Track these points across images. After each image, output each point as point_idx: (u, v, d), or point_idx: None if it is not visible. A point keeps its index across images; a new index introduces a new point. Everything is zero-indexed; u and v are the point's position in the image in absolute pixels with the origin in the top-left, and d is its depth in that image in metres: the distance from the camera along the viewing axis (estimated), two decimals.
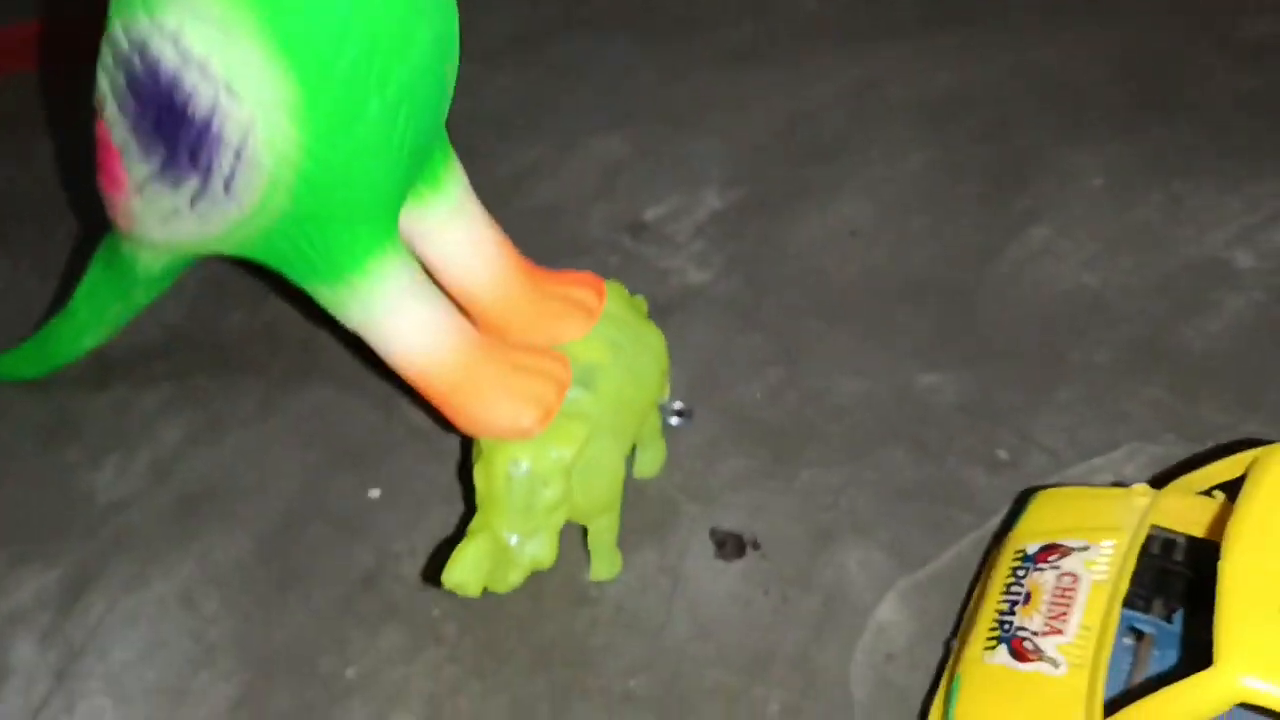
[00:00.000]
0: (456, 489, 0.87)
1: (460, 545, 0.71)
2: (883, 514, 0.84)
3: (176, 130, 0.62)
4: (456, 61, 0.68)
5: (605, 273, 1.00)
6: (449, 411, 0.73)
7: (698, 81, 1.25)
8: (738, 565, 0.82)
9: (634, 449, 0.85)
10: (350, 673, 0.77)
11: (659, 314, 0.97)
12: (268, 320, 1.02)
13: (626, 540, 0.82)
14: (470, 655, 0.77)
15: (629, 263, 1.04)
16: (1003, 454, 0.87)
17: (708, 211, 1.08)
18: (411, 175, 0.70)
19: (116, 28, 0.63)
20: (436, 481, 0.88)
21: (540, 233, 1.07)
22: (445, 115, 0.72)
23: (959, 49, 1.26)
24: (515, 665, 0.76)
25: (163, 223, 0.69)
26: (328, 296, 0.69)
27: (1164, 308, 0.96)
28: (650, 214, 1.09)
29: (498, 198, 1.09)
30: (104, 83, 0.66)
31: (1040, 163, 1.10)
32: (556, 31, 1.34)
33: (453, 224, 0.75)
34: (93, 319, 0.88)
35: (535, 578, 0.79)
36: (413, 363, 0.71)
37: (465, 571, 0.70)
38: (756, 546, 0.82)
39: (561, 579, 0.81)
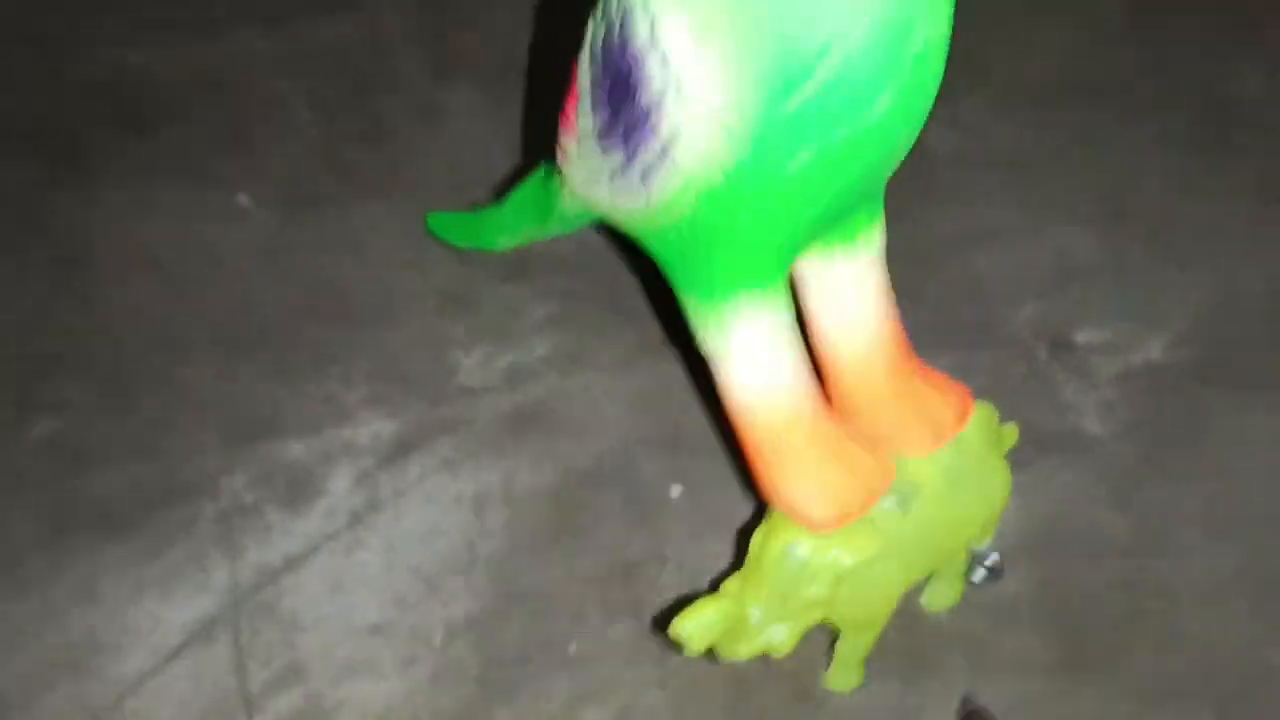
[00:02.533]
0: (754, 524, 0.87)
1: (702, 601, 0.70)
2: None
3: (621, 104, 0.63)
4: (918, 129, 0.64)
5: (1003, 379, 0.95)
6: (754, 467, 0.72)
7: (1227, 202, 1.11)
8: None
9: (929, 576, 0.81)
10: (571, 648, 0.80)
11: (1033, 449, 0.89)
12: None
13: (876, 658, 0.78)
14: (677, 692, 0.78)
15: (1033, 379, 0.96)
16: None
17: (1144, 360, 0.98)
18: (821, 229, 0.67)
19: None
20: (738, 508, 0.88)
21: (957, 306, 1.01)
22: (885, 179, 0.68)
23: None
24: None
25: (585, 179, 0.71)
26: (691, 308, 0.69)
27: None
28: (1084, 335, 0.99)
29: (938, 252, 1.05)
30: (591, 27, 0.67)
31: None
32: (1081, 94, 1.24)
33: (846, 285, 0.72)
34: (512, 226, 0.93)
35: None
36: (739, 405, 0.70)
37: (695, 629, 0.69)
38: None
39: (798, 664, 0.79)
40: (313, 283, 1.01)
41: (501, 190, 1.01)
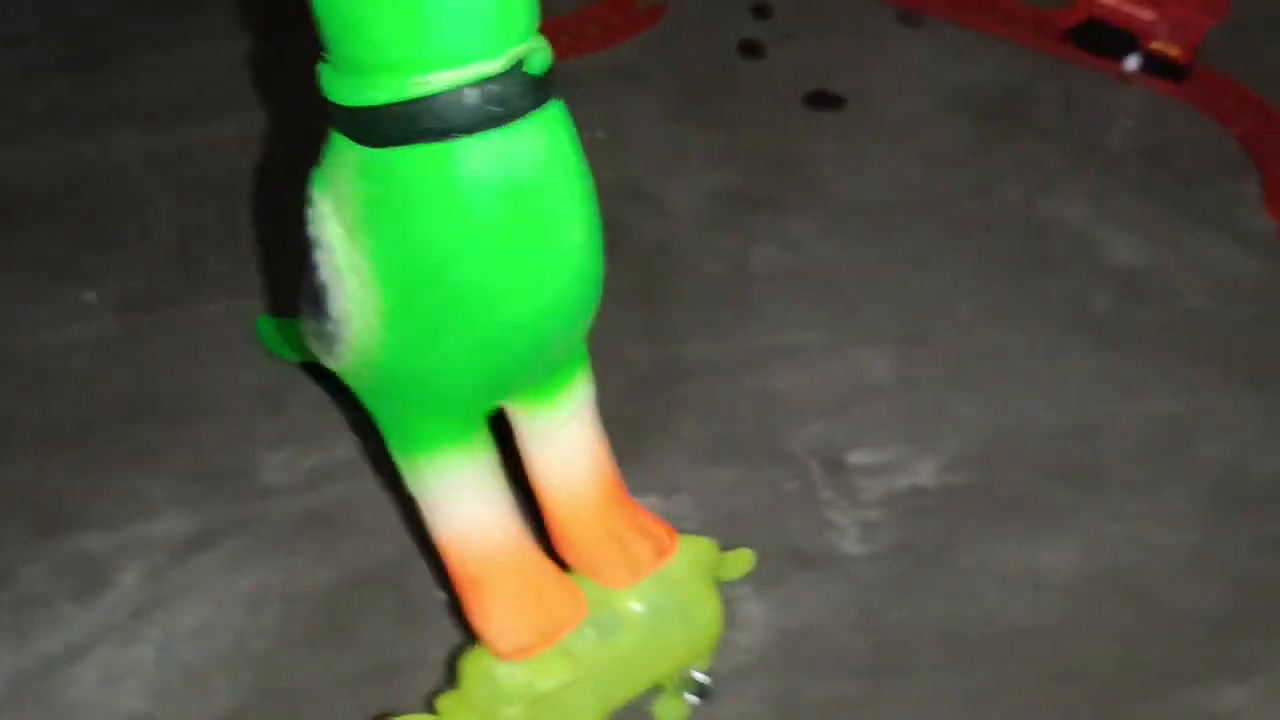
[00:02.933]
0: None
1: (405, 717, 0.76)
2: None
3: (307, 281, 0.70)
4: (580, 319, 0.70)
5: (773, 496, 1.01)
6: (457, 593, 0.77)
7: (1028, 329, 1.16)
8: None
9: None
10: None
11: (791, 565, 0.95)
12: None
13: None
14: None
15: (803, 498, 1.01)
16: None
17: (911, 484, 1.03)
18: (500, 396, 0.73)
19: (315, 173, 0.68)
20: None
21: (745, 421, 1.07)
22: (562, 353, 0.74)
23: None
24: None
25: (305, 332, 0.77)
26: (395, 458, 0.76)
27: None
28: (857, 457, 1.04)
29: (737, 367, 1.10)
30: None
31: None
32: (913, 215, 1.29)
33: (552, 435, 0.78)
34: (289, 346, 1.00)
35: None
36: (441, 541, 0.76)
37: None
38: None
39: None
40: (142, 380, 1.08)
41: None
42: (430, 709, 0.79)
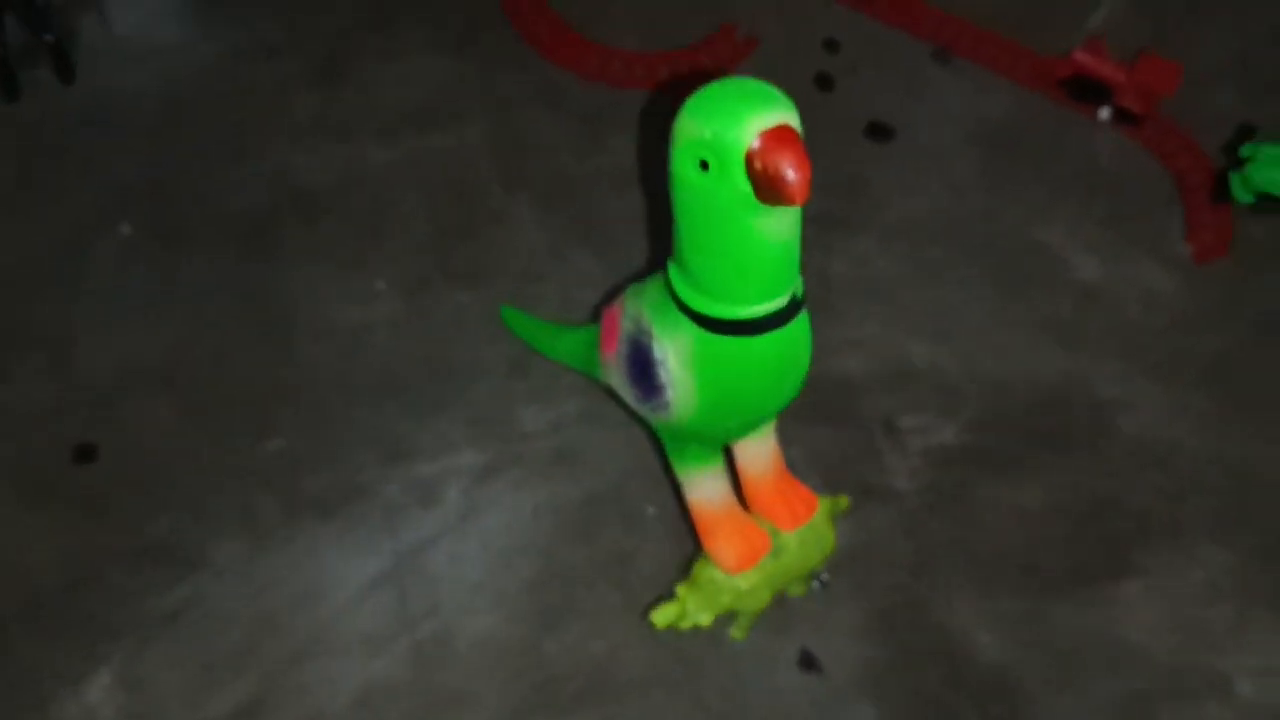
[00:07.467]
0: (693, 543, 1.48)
1: (664, 605, 1.32)
2: None
3: (640, 379, 1.21)
4: (796, 394, 1.24)
5: (852, 448, 1.56)
6: (698, 533, 1.33)
7: (1019, 332, 1.71)
8: (804, 678, 1.40)
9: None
10: (585, 606, 1.42)
11: (862, 497, 1.51)
12: None
13: (759, 623, 1.41)
14: (652, 638, 1.40)
15: (869, 450, 1.57)
16: None
17: (940, 442, 1.59)
18: (739, 437, 1.28)
19: (643, 304, 1.20)
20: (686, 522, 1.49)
21: (831, 394, 1.61)
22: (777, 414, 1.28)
23: None
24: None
25: (616, 384, 1.29)
26: (673, 465, 1.31)
27: None
28: (905, 422, 1.60)
29: (831, 352, 1.62)
30: (630, 306, 1.24)
31: None
32: (937, 236, 1.80)
33: (753, 444, 1.33)
34: (562, 353, 1.51)
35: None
36: (690, 502, 1.33)
37: (659, 617, 1.32)
38: (819, 669, 1.40)
39: (715, 625, 1.42)
40: (428, 349, 1.59)
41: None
42: (669, 594, 1.35)
